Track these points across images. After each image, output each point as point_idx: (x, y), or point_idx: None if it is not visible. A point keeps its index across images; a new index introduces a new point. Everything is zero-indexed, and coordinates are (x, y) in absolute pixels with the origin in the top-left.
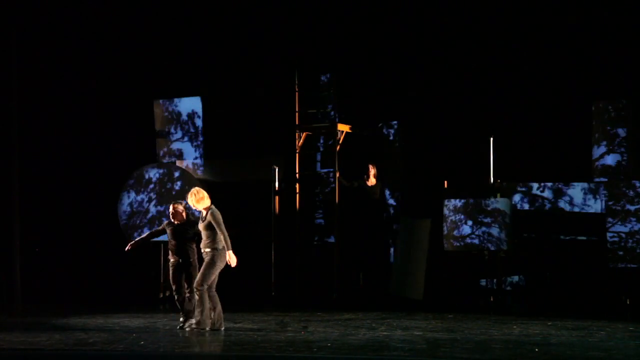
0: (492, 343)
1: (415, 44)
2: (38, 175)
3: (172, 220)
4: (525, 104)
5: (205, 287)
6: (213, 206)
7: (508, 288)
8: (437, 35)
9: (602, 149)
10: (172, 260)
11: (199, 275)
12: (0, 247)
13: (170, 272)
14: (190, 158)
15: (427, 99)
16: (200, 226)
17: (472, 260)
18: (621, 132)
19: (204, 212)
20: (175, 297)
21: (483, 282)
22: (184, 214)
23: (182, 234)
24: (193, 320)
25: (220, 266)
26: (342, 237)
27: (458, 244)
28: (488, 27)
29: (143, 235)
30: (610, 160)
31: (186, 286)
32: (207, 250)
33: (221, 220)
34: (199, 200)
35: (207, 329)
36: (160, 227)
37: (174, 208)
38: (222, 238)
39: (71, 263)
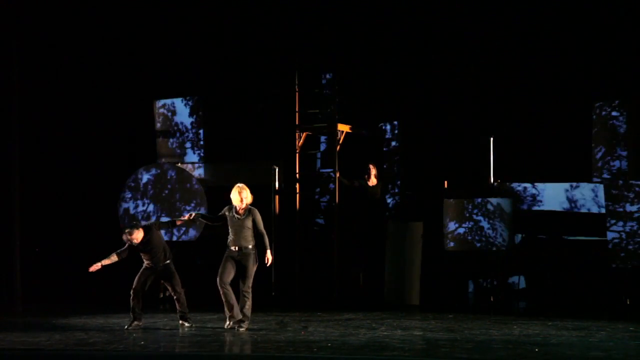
0: (492, 343)
1: (416, 44)
2: (38, 175)
3: (134, 243)
4: (525, 104)
5: None
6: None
7: (508, 288)
8: (438, 35)
9: (602, 149)
10: (161, 264)
11: (248, 279)
12: (0, 247)
13: (140, 272)
14: (190, 159)
15: (426, 99)
16: (235, 223)
17: (472, 260)
18: (621, 132)
19: (242, 212)
20: (132, 297)
21: (483, 282)
22: (140, 233)
23: (150, 248)
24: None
25: None
26: (342, 237)
27: (458, 244)
28: (488, 27)
29: (110, 259)
30: (610, 160)
31: (171, 289)
32: (250, 246)
33: None
34: (248, 196)
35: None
36: (123, 250)
37: (130, 235)
38: (265, 237)
39: (71, 263)
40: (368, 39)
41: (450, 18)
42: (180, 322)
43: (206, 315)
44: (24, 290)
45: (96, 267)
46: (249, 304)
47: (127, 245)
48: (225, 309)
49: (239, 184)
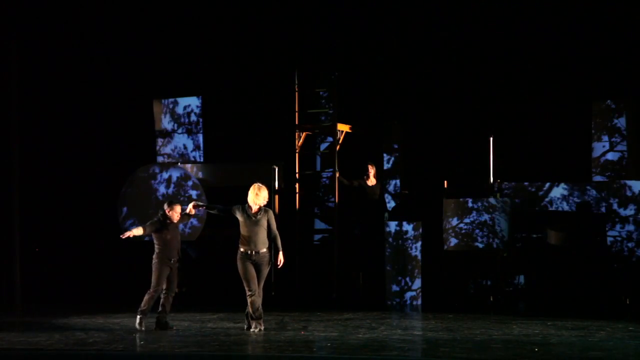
0: (492, 343)
1: (416, 44)
2: (38, 175)
3: (172, 219)
4: (525, 104)
5: None
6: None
7: (509, 288)
8: (438, 35)
9: (602, 149)
10: (174, 260)
11: (261, 282)
12: (0, 247)
13: (159, 271)
14: (190, 159)
15: (426, 98)
16: (250, 223)
17: (472, 260)
18: (620, 131)
19: (258, 212)
20: (166, 295)
21: (483, 282)
22: (179, 209)
23: (174, 234)
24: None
25: None
26: (342, 237)
27: (458, 244)
28: (488, 26)
29: (138, 229)
30: (610, 160)
31: (170, 287)
32: (265, 250)
33: None
34: (266, 196)
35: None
36: (149, 224)
37: (171, 206)
38: (278, 239)
39: (71, 263)
40: (368, 38)
41: (450, 17)
42: (165, 323)
43: (206, 315)
44: (24, 290)
45: (127, 234)
46: (259, 302)
47: (155, 220)
48: (251, 311)
49: (258, 184)
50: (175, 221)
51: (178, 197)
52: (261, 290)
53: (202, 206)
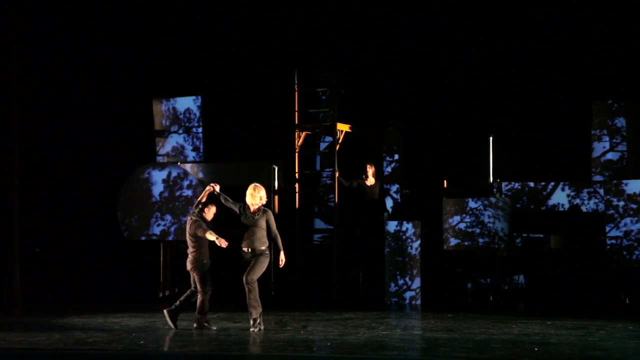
0: (491, 343)
1: (416, 44)
2: (38, 175)
3: (207, 219)
4: (525, 104)
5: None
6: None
7: (508, 287)
8: (438, 35)
9: (602, 149)
10: (209, 261)
11: (253, 272)
12: (0, 247)
13: (207, 274)
14: (190, 159)
15: (427, 98)
16: (248, 223)
17: (472, 260)
18: (620, 131)
19: (256, 211)
20: (208, 296)
21: (483, 282)
22: (214, 208)
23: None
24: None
25: None
26: (341, 237)
27: (458, 244)
28: (488, 26)
29: (212, 234)
30: (610, 159)
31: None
32: (263, 248)
33: None
34: (264, 196)
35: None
36: (200, 222)
37: (206, 207)
38: (278, 239)
39: (71, 263)
40: (368, 38)
41: (450, 17)
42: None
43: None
44: (24, 290)
45: (223, 241)
46: (253, 294)
47: (200, 221)
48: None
49: (255, 184)
50: (209, 220)
51: (175, 196)
52: (252, 282)
53: (218, 193)
